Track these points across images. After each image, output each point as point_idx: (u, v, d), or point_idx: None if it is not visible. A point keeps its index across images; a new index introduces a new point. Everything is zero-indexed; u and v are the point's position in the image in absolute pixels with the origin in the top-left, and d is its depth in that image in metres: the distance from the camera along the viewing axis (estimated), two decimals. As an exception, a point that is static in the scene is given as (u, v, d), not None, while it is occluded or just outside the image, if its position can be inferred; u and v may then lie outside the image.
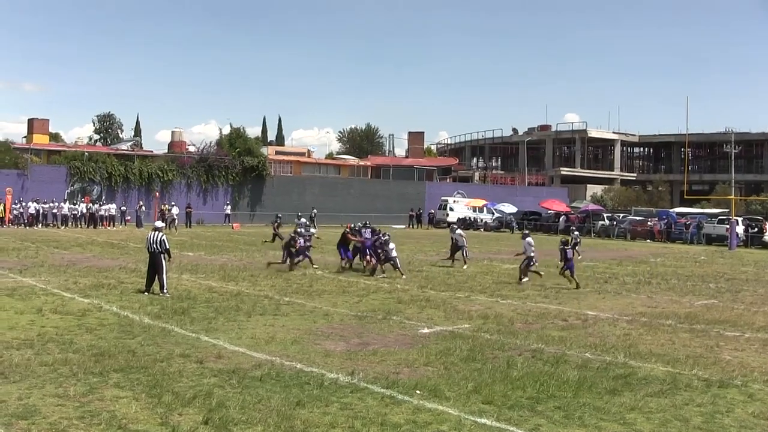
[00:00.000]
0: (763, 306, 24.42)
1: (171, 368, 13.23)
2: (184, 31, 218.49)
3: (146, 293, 22.45)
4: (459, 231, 35.22)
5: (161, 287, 22.63)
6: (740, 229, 62.31)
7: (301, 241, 31.05)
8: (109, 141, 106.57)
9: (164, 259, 22.97)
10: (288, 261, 30.72)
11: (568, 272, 27.57)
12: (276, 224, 44.32)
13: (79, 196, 64.40)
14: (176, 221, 60.14)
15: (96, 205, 61.16)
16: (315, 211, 67.05)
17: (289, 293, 23.66)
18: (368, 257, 30.63)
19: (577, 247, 34.46)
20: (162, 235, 23.34)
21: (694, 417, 11.32)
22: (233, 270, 29.88)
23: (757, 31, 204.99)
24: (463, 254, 34.12)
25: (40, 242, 42.02)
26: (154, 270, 22.89)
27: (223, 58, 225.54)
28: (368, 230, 32.54)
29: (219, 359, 14.08)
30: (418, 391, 12.09)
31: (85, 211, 60.75)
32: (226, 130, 77.88)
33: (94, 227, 58.91)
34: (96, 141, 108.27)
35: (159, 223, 24.88)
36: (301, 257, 31.12)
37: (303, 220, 43.76)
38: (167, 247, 23.16)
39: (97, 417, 10.34)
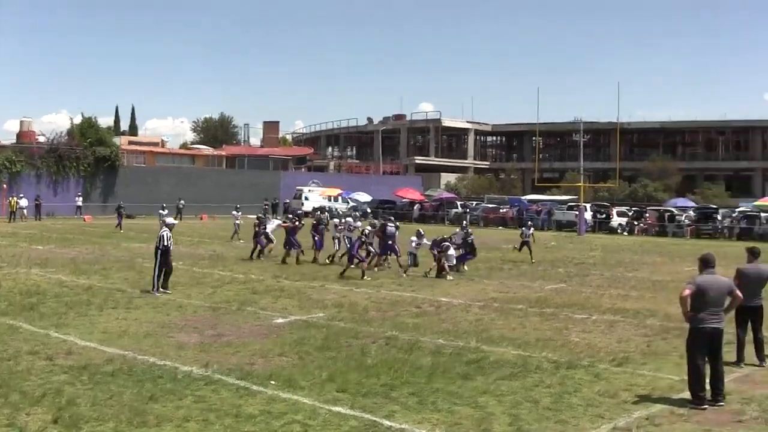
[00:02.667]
0: (610, 289, 25.28)
1: (18, 366, 12.91)
2: (33, 17, 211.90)
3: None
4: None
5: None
6: (588, 215, 64.21)
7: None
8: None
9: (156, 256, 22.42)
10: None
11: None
12: (121, 212, 44.26)
13: None
14: (25, 213, 59.03)
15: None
16: (182, 202, 66.15)
17: (142, 286, 23.33)
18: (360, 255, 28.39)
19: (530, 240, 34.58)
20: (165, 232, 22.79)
21: (543, 398, 11.69)
22: (84, 263, 29.27)
23: (602, 27, 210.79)
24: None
25: None
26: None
27: (74, 45, 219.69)
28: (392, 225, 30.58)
29: (69, 355, 13.83)
30: (272, 382, 12.15)
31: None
32: (78, 120, 75.67)
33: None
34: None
35: (170, 220, 24.38)
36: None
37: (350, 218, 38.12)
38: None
39: (-60, 419, 10.04)
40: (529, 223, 37.68)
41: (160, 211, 43.43)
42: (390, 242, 29.39)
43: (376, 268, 28.85)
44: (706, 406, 11.37)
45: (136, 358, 13.71)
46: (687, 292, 11.78)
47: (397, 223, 31.53)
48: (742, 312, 14.07)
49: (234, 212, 44.03)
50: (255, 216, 37.42)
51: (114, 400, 10.99)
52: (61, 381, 12.02)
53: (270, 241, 32.75)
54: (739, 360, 14.31)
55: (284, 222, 32.59)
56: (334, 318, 18.45)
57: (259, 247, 32.51)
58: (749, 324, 14.44)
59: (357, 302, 20.97)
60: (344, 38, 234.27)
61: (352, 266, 26.86)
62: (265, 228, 32.85)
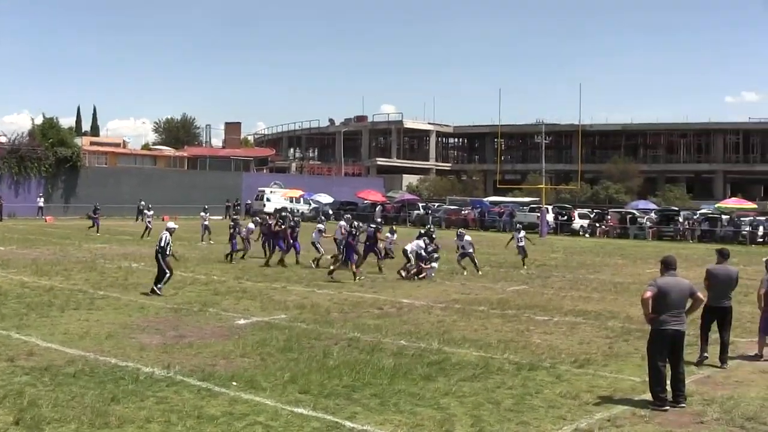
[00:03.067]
0: (571, 291, 25.42)
1: (-21, 368, 12.80)
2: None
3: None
4: (467, 237, 31.18)
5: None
6: (550, 216, 64.60)
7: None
8: None
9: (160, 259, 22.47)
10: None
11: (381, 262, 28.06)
12: (96, 213, 44.05)
13: None
14: None
15: None
16: (143, 203, 65.74)
17: (104, 287, 23.22)
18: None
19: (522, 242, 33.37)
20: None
21: (505, 399, 11.74)
22: (46, 264, 29.05)
23: (564, 28, 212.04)
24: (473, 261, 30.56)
25: None
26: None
27: (36, 45, 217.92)
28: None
29: (31, 356, 13.73)
30: (234, 383, 12.12)
31: None
32: (39, 121, 75.17)
33: None
34: None
35: (171, 224, 24.16)
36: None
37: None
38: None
39: None
40: (518, 225, 37.17)
41: (202, 213, 42.97)
42: (368, 243, 29.37)
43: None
44: (668, 408, 11.44)
45: (98, 359, 13.62)
46: (648, 294, 11.79)
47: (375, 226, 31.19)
48: (711, 312, 14.49)
49: (202, 213, 43.76)
50: (229, 218, 37.77)
51: (76, 402, 10.92)
52: (23, 382, 11.93)
53: (247, 245, 32.73)
54: (702, 360, 14.54)
55: (274, 225, 32.00)
56: (296, 319, 18.44)
57: (231, 249, 32.36)
58: (716, 324, 14.73)
59: (319, 303, 20.97)
60: (306, 39, 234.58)
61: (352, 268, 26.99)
62: (239, 231, 32.80)
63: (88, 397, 11.11)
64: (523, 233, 33.99)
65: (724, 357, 14.61)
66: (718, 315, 14.62)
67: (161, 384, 12.01)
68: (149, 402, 11.04)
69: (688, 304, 12.12)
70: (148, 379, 12.27)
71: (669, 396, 11.66)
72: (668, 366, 11.79)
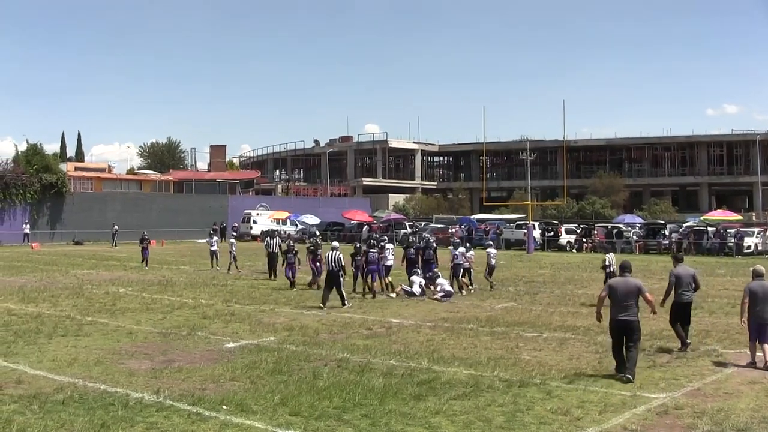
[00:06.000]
0: (560, 306, 25.45)
1: (-33, 396, 12.72)
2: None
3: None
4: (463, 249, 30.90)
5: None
6: (537, 233, 64.73)
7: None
8: None
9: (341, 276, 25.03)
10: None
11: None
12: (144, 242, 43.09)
13: None
14: None
15: None
16: (116, 227, 65.67)
17: (92, 312, 23.14)
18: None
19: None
20: (337, 253, 24.97)
21: (496, 417, 11.72)
22: (33, 291, 28.94)
23: (546, 45, 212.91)
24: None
25: None
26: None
27: (19, 71, 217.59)
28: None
29: (19, 384, 13.67)
30: (224, 407, 12.08)
31: None
32: (23, 147, 75.18)
33: None
34: None
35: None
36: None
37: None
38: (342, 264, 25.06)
39: None
40: (489, 242, 35.84)
41: (208, 239, 42.65)
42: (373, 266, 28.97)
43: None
44: (626, 375, 14.16)
45: (87, 385, 13.55)
46: (603, 294, 15.26)
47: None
48: (678, 307, 17.36)
49: (208, 239, 43.29)
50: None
51: (65, 429, 10.88)
52: (11, 410, 11.87)
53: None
54: (684, 344, 17.16)
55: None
56: (285, 341, 18.40)
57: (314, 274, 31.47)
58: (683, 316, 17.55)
59: (308, 325, 20.93)
60: (290, 61, 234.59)
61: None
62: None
63: (77, 424, 11.05)
64: (494, 251, 32.26)
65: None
66: (683, 308, 17.46)
67: (151, 409, 11.95)
68: (139, 428, 10.99)
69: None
70: (137, 405, 12.20)
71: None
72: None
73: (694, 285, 17.57)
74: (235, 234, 46.96)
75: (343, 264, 25.14)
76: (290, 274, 31.05)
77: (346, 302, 24.97)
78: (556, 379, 14.28)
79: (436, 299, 27.02)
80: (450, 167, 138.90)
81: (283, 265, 32.09)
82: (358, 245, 29.68)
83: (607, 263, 27.11)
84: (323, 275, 27.11)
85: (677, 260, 18.28)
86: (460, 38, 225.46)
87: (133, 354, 16.80)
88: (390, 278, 29.94)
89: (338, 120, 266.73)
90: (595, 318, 15.99)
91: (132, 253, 48.75)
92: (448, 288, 27.82)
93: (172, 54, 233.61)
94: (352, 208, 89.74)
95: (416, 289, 28.10)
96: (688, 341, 17.31)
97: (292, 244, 33.40)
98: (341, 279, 25.20)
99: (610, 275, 25.20)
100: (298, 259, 31.90)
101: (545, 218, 78.83)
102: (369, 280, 28.48)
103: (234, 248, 39.33)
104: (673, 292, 17.46)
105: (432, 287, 28.04)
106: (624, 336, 14.56)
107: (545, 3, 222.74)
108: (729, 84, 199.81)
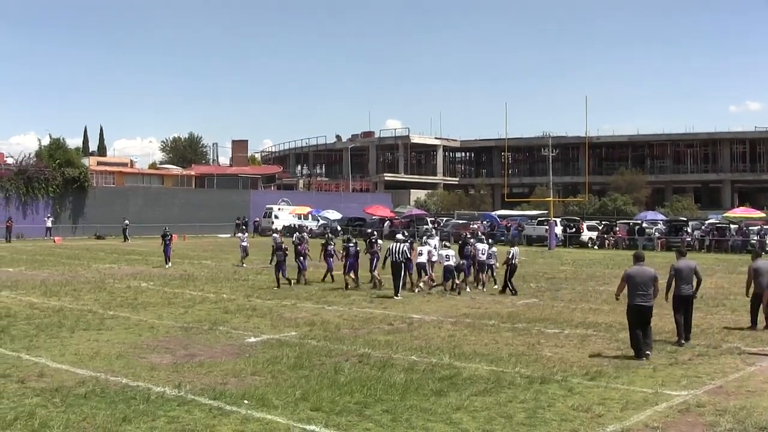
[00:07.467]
0: (581, 303, 25.36)
1: (-10, 390, 12.78)
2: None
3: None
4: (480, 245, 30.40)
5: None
6: (559, 229, 64.44)
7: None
8: None
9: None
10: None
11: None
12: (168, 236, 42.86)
13: None
14: None
15: None
16: (126, 222, 65.58)
17: (114, 307, 23.22)
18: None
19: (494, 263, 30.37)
20: (403, 246, 26.83)
21: (517, 413, 11.68)
22: (55, 285, 29.06)
23: (569, 41, 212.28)
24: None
25: None
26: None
27: (42, 66, 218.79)
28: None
29: (41, 378, 13.72)
30: (245, 401, 12.09)
31: None
32: (46, 141, 75.35)
33: None
34: None
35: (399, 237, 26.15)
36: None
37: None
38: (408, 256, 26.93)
39: None
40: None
41: (239, 234, 42.69)
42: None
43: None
44: (644, 359, 15.69)
45: (109, 379, 13.60)
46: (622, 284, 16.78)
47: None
48: (678, 299, 17.89)
49: (239, 234, 43.21)
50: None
51: (87, 422, 10.90)
52: (34, 404, 11.91)
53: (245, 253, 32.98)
54: (681, 339, 17.62)
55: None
56: (306, 336, 18.40)
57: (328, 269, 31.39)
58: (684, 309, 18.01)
59: (329, 320, 20.96)
60: (311, 56, 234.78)
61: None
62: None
63: (99, 418, 11.08)
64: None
65: (688, 335, 17.90)
66: (683, 302, 17.94)
67: (172, 403, 11.98)
68: (161, 422, 11.01)
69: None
70: (159, 399, 12.24)
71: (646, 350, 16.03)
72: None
73: (696, 278, 18.18)
74: (244, 228, 46.86)
75: (409, 256, 26.64)
76: (280, 273, 29.75)
77: (398, 294, 25.92)
78: (577, 376, 14.23)
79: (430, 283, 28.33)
80: (472, 163, 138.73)
81: (271, 262, 31.00)
82: (373, 237, 31.09)
83: (510, 256, 28.10)
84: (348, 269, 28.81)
85: (680, 254, 18.86)
86: (481, 35, 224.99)
87: (155, 348, 16.84)
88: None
89: (360, 115, 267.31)
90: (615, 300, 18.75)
91: (152, 247, 48.79)
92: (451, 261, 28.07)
93: (196, 50, 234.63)
94: (374, 203, 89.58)
95: (423, 259, 28.30)
96: (683, 341, 17.56)
97: (280, 240, 31.51)
98: (403, 271, 26.65)
99: (512, 267, 27.73)
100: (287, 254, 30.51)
101: (567, 215, 78.57)
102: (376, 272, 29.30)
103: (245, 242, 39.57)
104: (674, 285, 18.14)
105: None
106: (641, 320, 16.12)
107: (568, 0, 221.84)
108: (752, 81, 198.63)
